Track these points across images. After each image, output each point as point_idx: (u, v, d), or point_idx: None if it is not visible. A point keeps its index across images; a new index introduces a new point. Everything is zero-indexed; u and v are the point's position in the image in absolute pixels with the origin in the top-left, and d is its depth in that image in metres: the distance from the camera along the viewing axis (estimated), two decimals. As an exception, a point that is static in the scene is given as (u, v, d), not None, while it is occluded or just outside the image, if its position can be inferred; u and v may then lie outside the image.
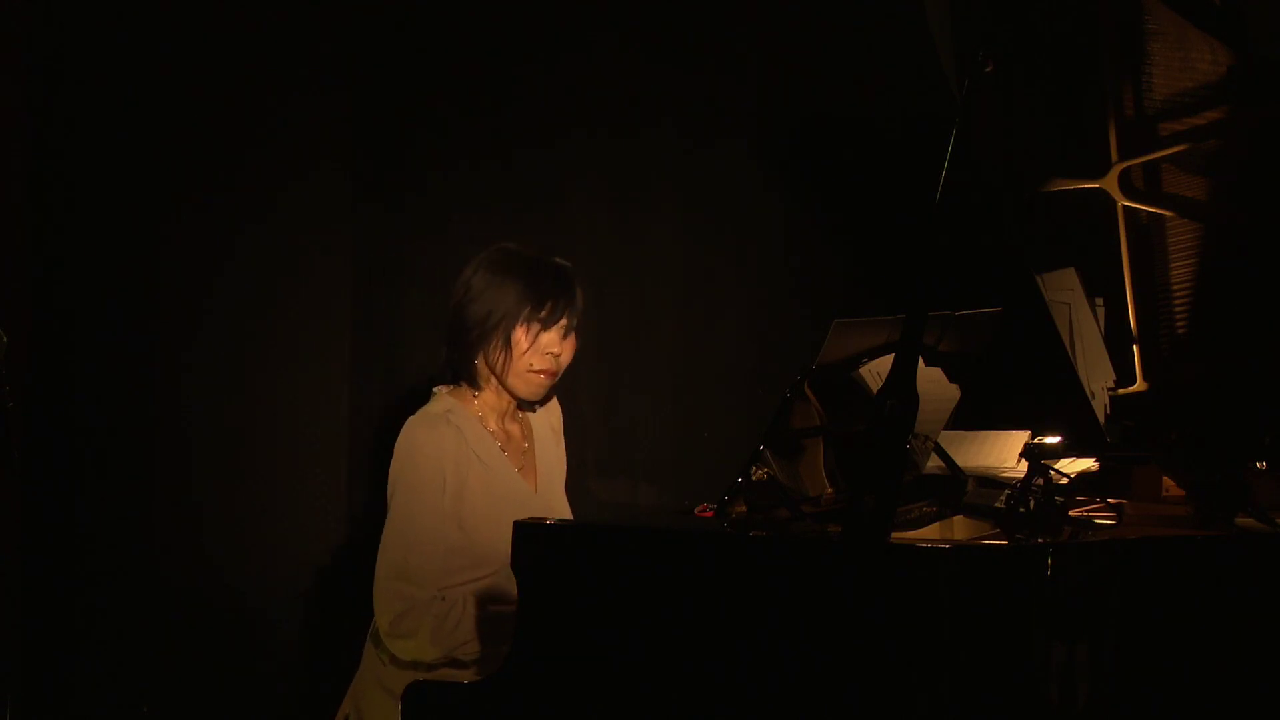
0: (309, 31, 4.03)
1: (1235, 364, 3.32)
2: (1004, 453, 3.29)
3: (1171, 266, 3.37)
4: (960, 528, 3.11)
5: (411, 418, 3.30)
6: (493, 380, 3.32)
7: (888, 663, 2.46)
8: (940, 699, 2.45)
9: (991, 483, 3.02)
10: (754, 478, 2.76)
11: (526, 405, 3.42)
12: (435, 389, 3.38)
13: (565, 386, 3.47)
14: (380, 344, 4.17)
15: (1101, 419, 3.42)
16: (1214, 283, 3.34)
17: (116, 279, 3.95)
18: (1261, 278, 3.32)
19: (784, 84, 4.41)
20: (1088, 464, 3.21)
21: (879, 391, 2.35)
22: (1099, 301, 3.53)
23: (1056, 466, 2.89)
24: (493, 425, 3.34)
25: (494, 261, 3.33)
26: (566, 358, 3.33)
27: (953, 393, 3.09)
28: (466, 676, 3.07)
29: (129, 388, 3.97)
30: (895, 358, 2.35)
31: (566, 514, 3.43)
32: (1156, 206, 3.35)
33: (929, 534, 3.03)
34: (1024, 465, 2.91)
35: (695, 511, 3.21)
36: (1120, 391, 3.40)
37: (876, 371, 2.90)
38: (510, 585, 2.89)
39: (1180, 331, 3.35)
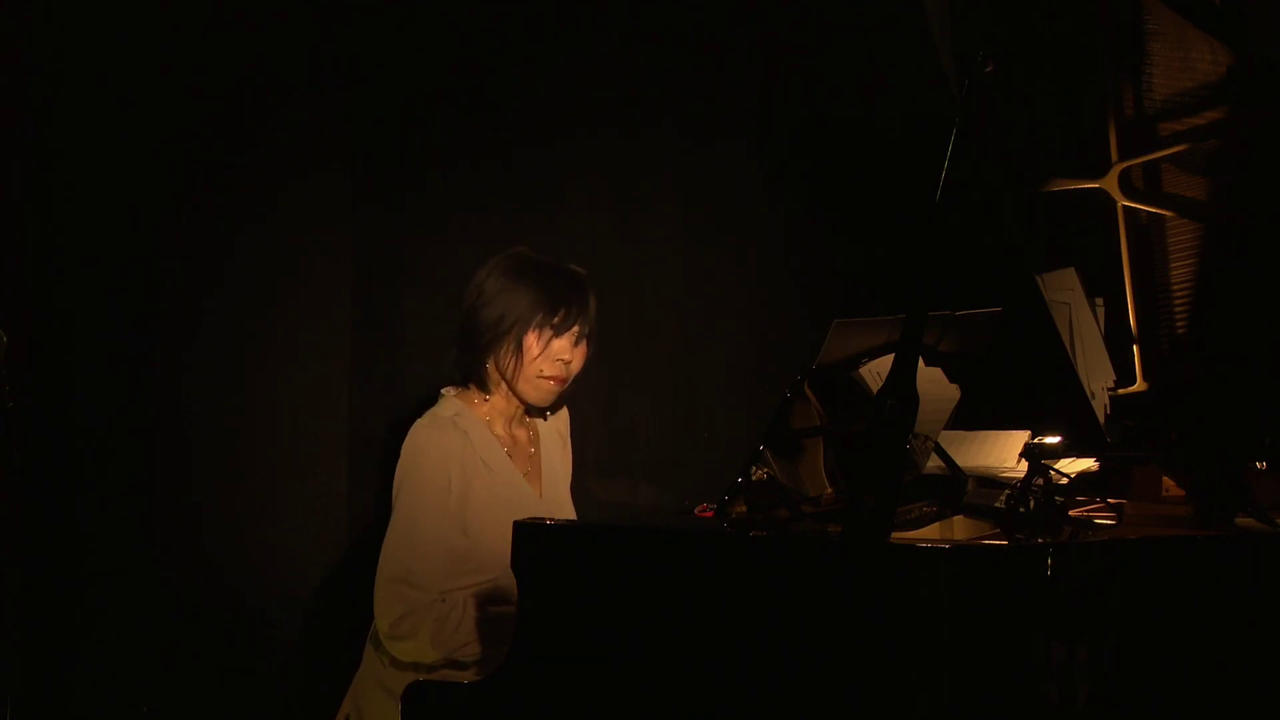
0: (309, 31, 4.03)
1: (1235, 364, 3.32)
2: (1004, 453, 3.29)
3: (1171, 266, 3.37)
4: (960, 528, 3.11)
5: (418, 420, 3.29)
6: (502, 385, 3.31)
7: (888, 663, 2.46)
8: (940, 699, 2.45)
9: (991, 483, 3.02)
10: (754, 478, 2.76)
11: (535, 411, 3.41)
12: (443, 391, 3.37)
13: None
14: (380, 344, 4.16)
15: (1101, 419, 3.42)
16: (1214, 283, 3.34)
17: (116, 279, 3.95)
18: (1261, 278, 3.32)
19: (784, 84, 4.41)
20: (1088, 464, 3.21)
21: (879, 391, 2.35)
22: (1099, 301, 3.53)
23: (1056, 466, 2.89)
24: (499, 429, 3.33)
25: (508, 266, 3.31)
26: (577, 365, 3.32)
27: (953, 393, 3.09)
28: (467, 677, 3.07)
29: (129, 388, 3.96)
30: (895, 358, 2.35)
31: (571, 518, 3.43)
32: (1156, 206, 3.35)
33: (929, 534, 3.03)
34: (1024, 465, 2.91)
35: (695, 511, 3.21)
36: (1120, 391, 3.40)
37: (876, 371, 2.90)
38: (511, 586, 2.89)
39: (1180, 331, 3.35)
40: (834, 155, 4.38)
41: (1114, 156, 3.34)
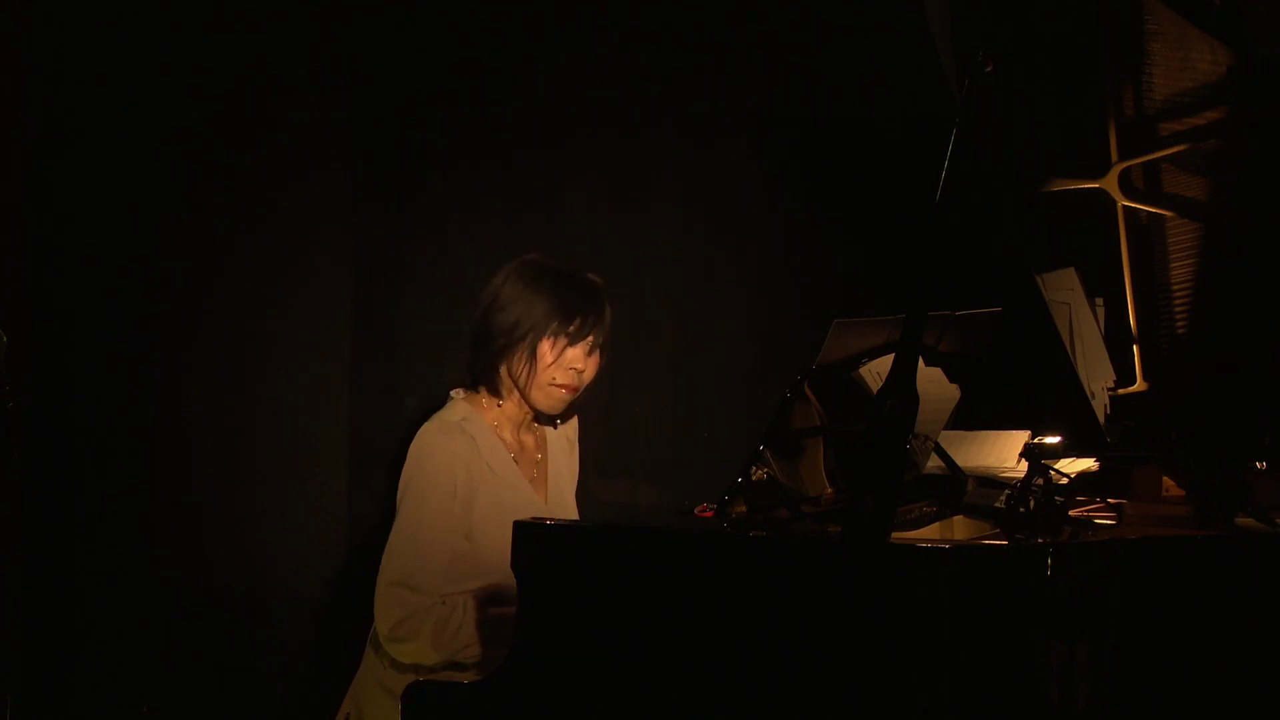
0: (309, 31, 4.03)
1: (1235, 364, 3.32)
2: (1004, 453, 3.29)
3: (1171, 266, 3.37)
4: (960, 528, 3.11)
5: (427, 423, 3.28)
6: (514, 391, 3.31)
7: (888, 663, 2.46)
8: (940, 699, 2.45)
9: (991, 483, 3.02)
10: (754, 478, 2.76)
11: (545, 419, 3.41)
12: (452, 393, 3.36)
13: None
14: (380, 344, 4.16)
15: (1101, 419, 3.42)
16: (1214, 283, 3.34)
17: (116, 279, 3.95)
18: (1261, 278, 3.32)
19: (784, 84, 4.41)
20: (1088, 464, 3.21)
21: (879, 391, 2.35)
22: (1099, 301, 3.53)
23: (1056, 466, 2.89)
24: (507, 435, 3.33)
25: (525, 272, 3.30)
26: (590, 374, 3.31)
27: (953, 393, 3.09)
28: (467, 678, 3.07)
29: (129, 388, 3.97)
30: (895, 358, 2.35)
31: None
32: (1156, 206, 3.35)
33: (929, 534, 3.03)
34: (1024, 465, 2.91)
35: (695, 511, 3.21)
36: (1120, 391, 3.40)
37: (876, 371, 2.90)
38: (511, 588, 2.89)
39: (1180, 331, 3.35)
40: (834, 155, 4.38)
41: (1114, 156, 3.34)
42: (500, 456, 3.28)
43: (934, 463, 3.06)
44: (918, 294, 2.41)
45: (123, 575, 3.93)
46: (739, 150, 4.39)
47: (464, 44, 4.19)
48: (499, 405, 3.32)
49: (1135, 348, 3.37)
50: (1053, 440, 3.11)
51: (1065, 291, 3.51)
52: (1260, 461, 3.16)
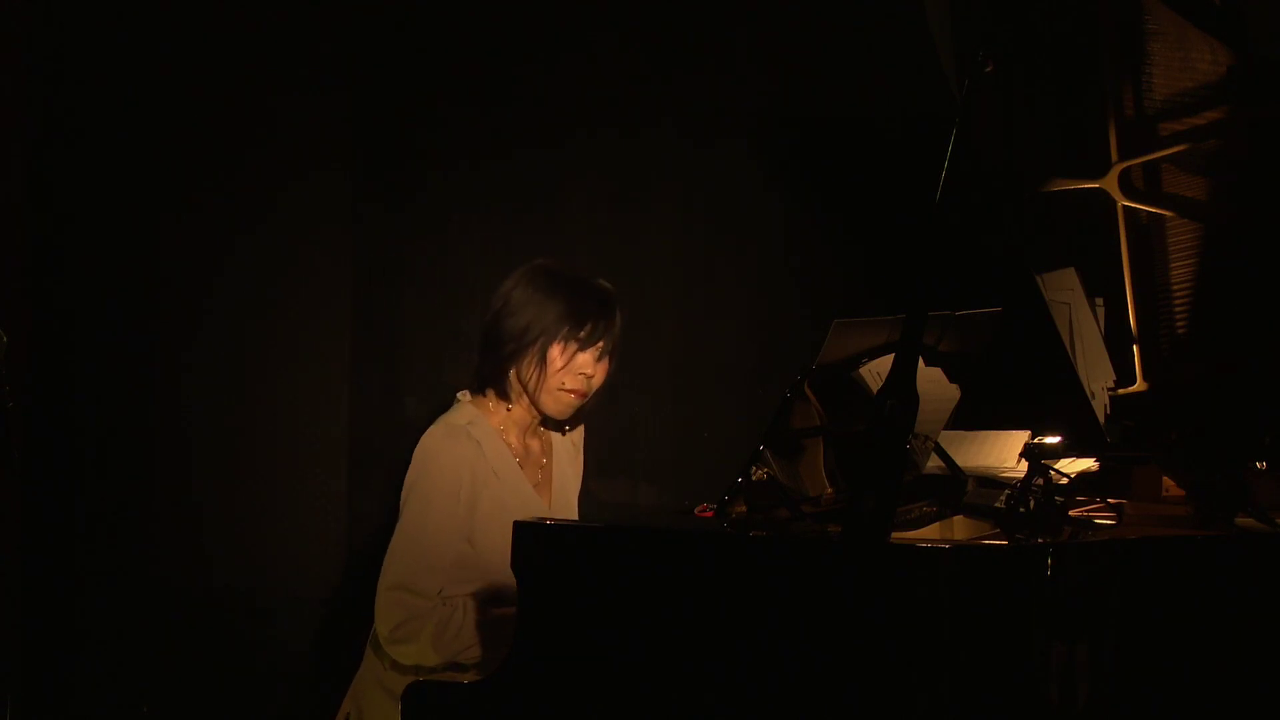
0: (309, 31, 4.03)
1: (1235, 364, 3.32)
2: (1004, 453, 3.29)
3: (1171, 266, 3.37)
4: (960, 528, 3.11)
5: (433, 426, 3.27)
6: (523, 395, 3.30)
7: (888, 663, 2.46)
8: (940, 699, 2.45)
9: (991, 483, 3.02)
10: (754, 478, 2.76)
11: (552, 425, 3.41)
12: (459, 396, 3.36)
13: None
14: (380, 344, 4.17)
15: (1101, 419, 3.42)
16: (1214, 283, 3.34)
17: (116, 279, 3.95)
18: (1261, 278, 3.32)
19: (784, 84, 4.41)
20: (1088, 464, 3.21)
21: (879, 391, 2.35)
22: (1099, 301, 3.53)
23: (1056, 466, 2.89)
24: (513, 439, 3.32)
25: (536, 277, 3.29)
26: (599, 380, 3.31)
27: (953, 393, 3.08)
28: (467, 679, 3.07)
29: (129, 388, 3.97)
30: (895, 358, 2.35)
31: None
32: (1156, 206, 3.35)
33: (929, 534, 3.03)
34: (1024, 465, 2.91)
35: (695, 511, 3.21)
36: (1120, 391, 3.40)
37: (876, 371, 2.90)
38: (511, 588, 2.89)
39: (1180, 331, 3.35)
40: (834, 155, 4.38)
41: (1114, 156, 3.34)
42: (505, 461, 3.28)
43: (934, 463, 3.06)
44: (918, 294, 2.41)
45: (123, 575, 3.93)
46: (739, 150, 4.39)
47: (464, 44, 4.19)
48: (507, 409, 3.32)
49: (1135, 348, 3.37)
50: (1053, 440, 3.10)
51: (1065, 291, 3.51)
52: (1260, 461, 3.16)
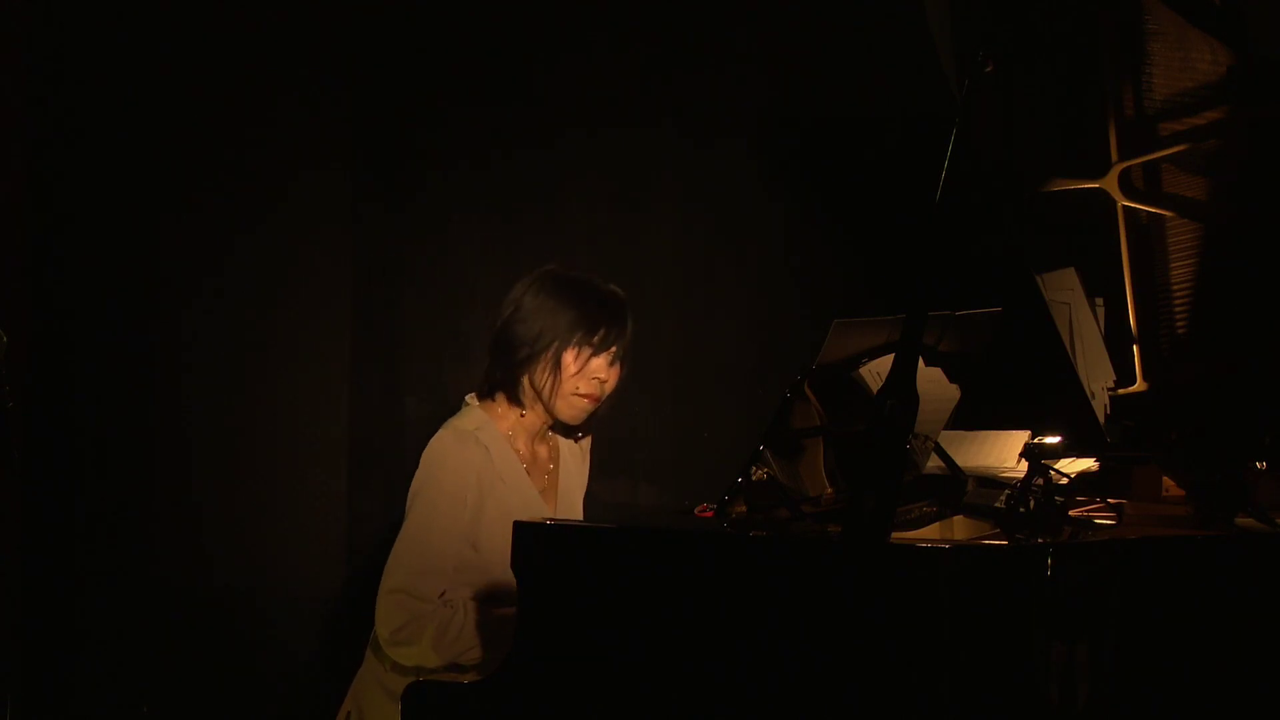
0: (309, 31, 4.03)
1: (1235, 364, 3.32)
2: (1004, 453, 3.29)
3: (1171, 266, 3.37)
4: (960, 528, 3.10)
5: (441, 430, 3.27)
6: (537, 401, 3.30)
7: (888, 663, 2.46)
8: (940, 699, 2.45)
9: (991, 483, 3.02)
10: (754, 478, 2.76)
11: (563, 430, 3.41)
12: (467, 399, 3.35)
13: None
14: (380, 344, 4.17)
15: (1101, 419, 3.42)
16: (1214, 283, 3.34)
17: (116, 279, 3.95)
18: (1261, 278, 3.32)
19: (784, 84, 4.41)
20: (1088, 464, 3.21)
21: (879, 391, 2.35)
22: (1099, 301, 3.53)
23: (1056, 466, 2.89)
24: (521, 445, 3.32)
25: (548, 283, 3.29)
26: (611, 384, 3.31)
27: (953, 393, 3.08)
28: (467, 679, 3.07)
29: (129, 388, 3.97)
30: (895, 358, 2.34)
31: None
32: (1156, 206, 3.35)
33: (929, 534, 3.02)
34: (1024, 465, 2.91)
35: (695, 511, 3.21)
36: (1120, 391, 3.40)
37: (876, 371, 2.90)
38: (511, 589, 2.89)
39: (1180, 331, 3.35)
40: (834, 155, 4.38)
41: (1114, 156, 3.34)
42: (512, 466, 3.28)
43: (934, 463, 3.06)
44: (918, 294, 2.41)
45: (123, 575, 3.93)
46: (739, 150, 4.39)
47: (464, 44, 4.19)
48: (520, 415, 3.31)
49: (1135, 348, 3.36)
50: (1053, 440, 3.10)
51: (1065, 291, 3.51)
52: (1260, 461, 3.16)
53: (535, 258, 3.72)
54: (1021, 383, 3.53)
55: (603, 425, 3.51)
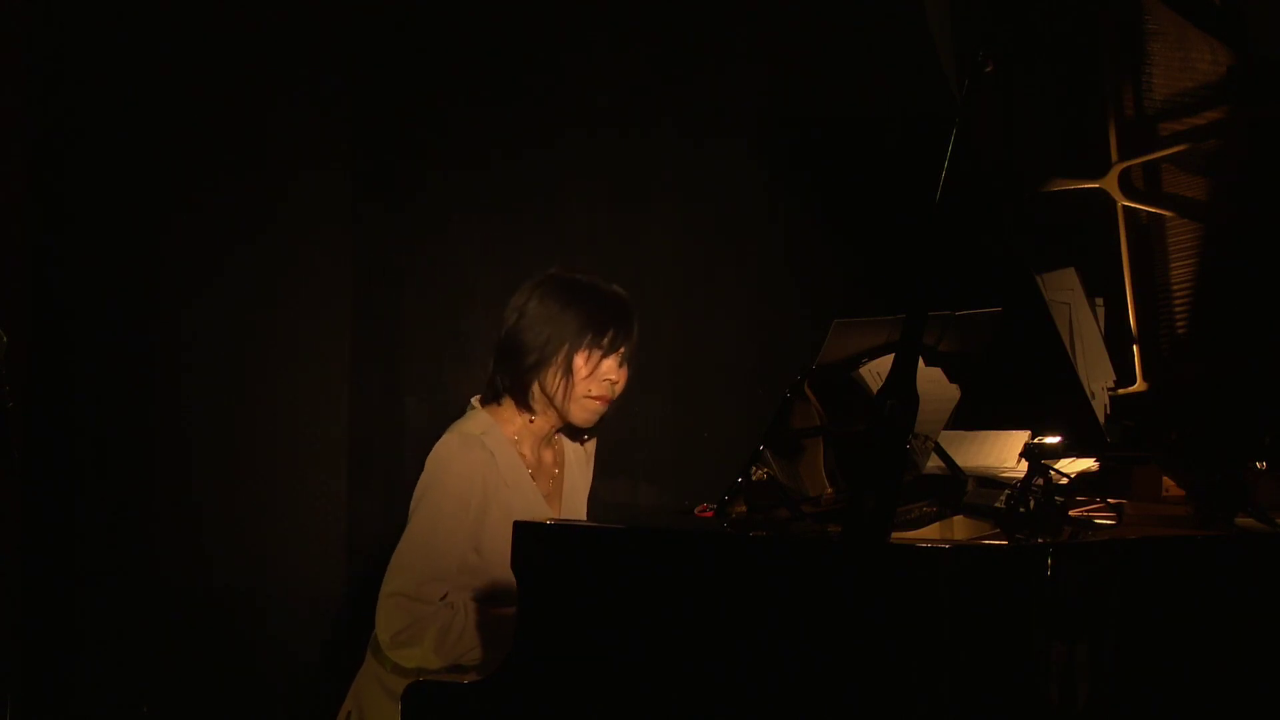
0: (309, 31, 4.04)
1: (1235, 364, 3.32)
2: (1004, 453, 3.29)
3: (1171, 266, 3.37)
4: (960, 528, 3.10)
5: (447, 434, 3.26)
6: (548, 406, 3.30)
7: (888, 663, 2.46)
8: (940, 699, 2.45)
9: (991, 483, 3.02)
10: (754, 478, 2.76)
11: (572, 433, 3.41)
12: (473, 401, 3.35)
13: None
14: (380, 344, 4.17)
15: (1101, 419, 3.42)
16: (1214, 283, 3.34)
17: (116, 279, 3.95)
18: (1261, 278, 3.32)
19: (784, 84, 4.41)
20: (1088, 464, 3.21)
21: (879, 391, 2.35)
22: (1099, 301, 3.53)
23: (1056, 466, 2.89)
24: (527, 450, 3.32)
25: (552, 288, 3.28)
26: (621, 385, 3.32)
27: (953, 393, 3.08)
28: (468, 679, 3.07)
29: (129, 388, 3.97)
30: (895, 358, 2.34)
31: None
32: (1156, 206, 3.35)
33: (929, 534, 3.02)
34: (1024, 465, 2.91)
35: (695, 511, 3.21)
36: (1120, 391, 3.40)
37: (876, 371, 2.90)
38: (513, 589, 2.88)
39: (1180, 331, 3.35)
40: (834, 155, 4.38)
41: (1114, 156, 3.34)
42: (517, 472, 3.28)
43: (934, 463, 3.06)
44: (918, 294, 2.41)
45: (123, 575, 3.93)
46: (739, 150, 4.39)
47: (464, 44, 4.19)
48: (529, 421, 3.31)
49: (1135, 348, 3.36)
50: (1053, 440, 3.10)
51: (1065, 291, 3.51)
52: (1260, 461, 3.16)
53: (535, 258, 3.72)
54: (1021, 383, 3.53)
55: (603, 426, 3.51)
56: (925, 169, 2.57)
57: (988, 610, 2.50)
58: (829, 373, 2.86)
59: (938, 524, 3.06)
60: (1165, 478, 3.26)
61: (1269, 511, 2.93)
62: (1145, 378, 3.36)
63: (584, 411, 3.29)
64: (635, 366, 3.35)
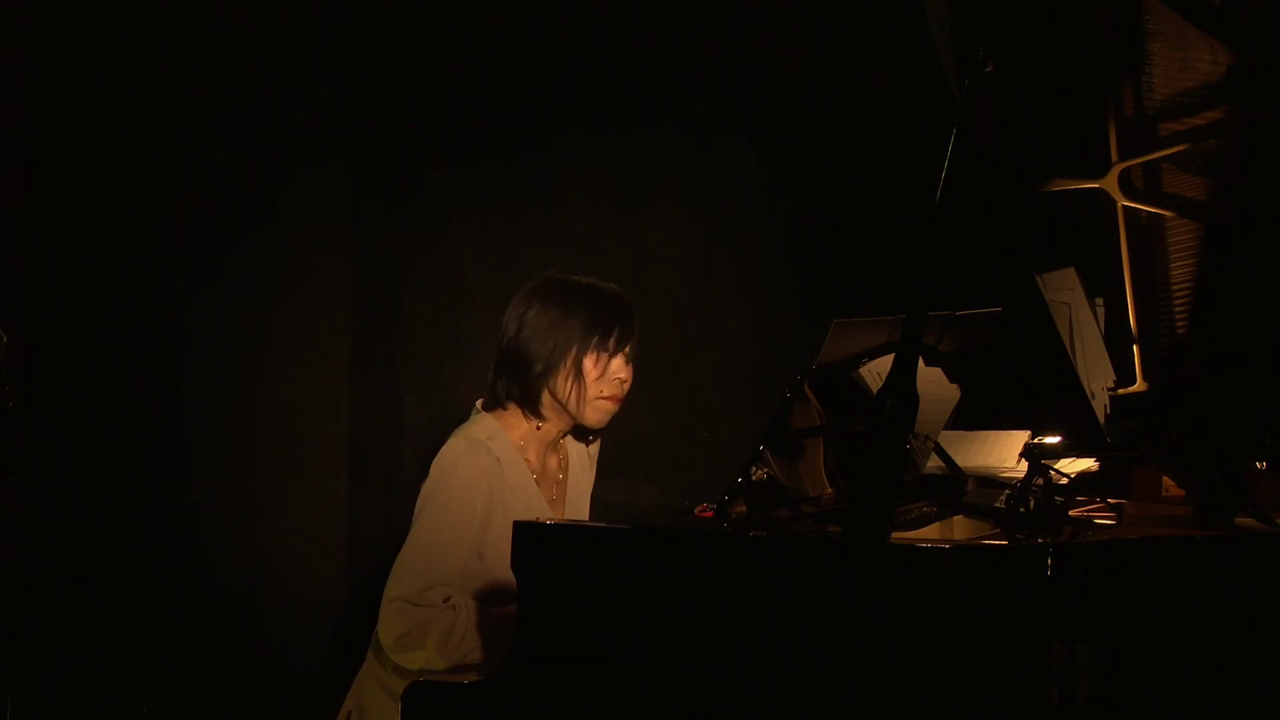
0: (309, 31, 4.03)
1: (1235, 364, 3.32)
2: (1004, 453, 3.29)
3: (1171, 266, 3.37)
4: (960, 528, 3.11)
5: (453, 439, 3.26)
6: (559, 411, 3.29)
7: (888, 663, 2.46)
8: (940, 699, 2.45)
9: (991, 483, 3.02)
10: (754, 478, 2.76)
11: (580, 434, 3.40)
12: (478, 404, 3.34)
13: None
14: (380, 344, 4.17)
15: (1101, 419, 3.42)
16: (1214, 283, 3.34)
17: (116, 279, 3.95)
18: (1261, 278, 3.32)
19: (784, 84, 4.41)
20: (1088, 464, 3.21)
21: (879, 391, 2.35)
22: (1099, 301, 3.53)
23: (1056, 466, 2.89)
24: (532, 456, 3.32)
25: (551, 294, 3.28)
26: (629, 383, 3.32)
27: (953, 393, 3.08)
28: (468, 679, 3.06)
29: (129, 388, 3.97)
30: (895, 358, 2.35)
31: None
32: (1156, 206, 3.35)
33: (929, 534, 3.03)
34: (1024, 465, 2.91)
35: (695, 511, 3.21)
36: (1120, 391, 3.40)
37: (876, 371, 2.90)
38: (514, 590, 2.88)
39: (1180, 331, 3.35)
40: (834, 155, 4.38)
41: (1114, 156, 3.34)
42: (522, 477, 3.27)
43: (934, 463, 3.06)
44: (918, 294, 2.41)
45: (123, 575, 3.93)
46: (739, 150, 4.39)
47: (464, 44, 4.19)
48: (537, 427, 3.31)
49: (1135, 348, 3.36)
50: (1053, 440, 3.10)
51: (1065, 291, 3.51)
52: (1260, 461, 3.16)
53: (535, 258, 3.73)
54: (1021, 383, 3.54)
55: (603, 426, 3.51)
56: (925, 169, 2.57)
57: (988, 610, 2.50)
58: (829, 373, 2.86)
59: (938, 524, 3.06)
60: (1165, 478, 3.26)
61: (1269, 511, 2.94)
62: (1145, 378, 3.36)
63: (597, 413, 3.30)
64: (636, 366, 3.35)
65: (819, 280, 4.39)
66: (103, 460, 3.93)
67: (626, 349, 3.29)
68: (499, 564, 3.17)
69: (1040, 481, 2.78)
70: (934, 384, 3.01)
